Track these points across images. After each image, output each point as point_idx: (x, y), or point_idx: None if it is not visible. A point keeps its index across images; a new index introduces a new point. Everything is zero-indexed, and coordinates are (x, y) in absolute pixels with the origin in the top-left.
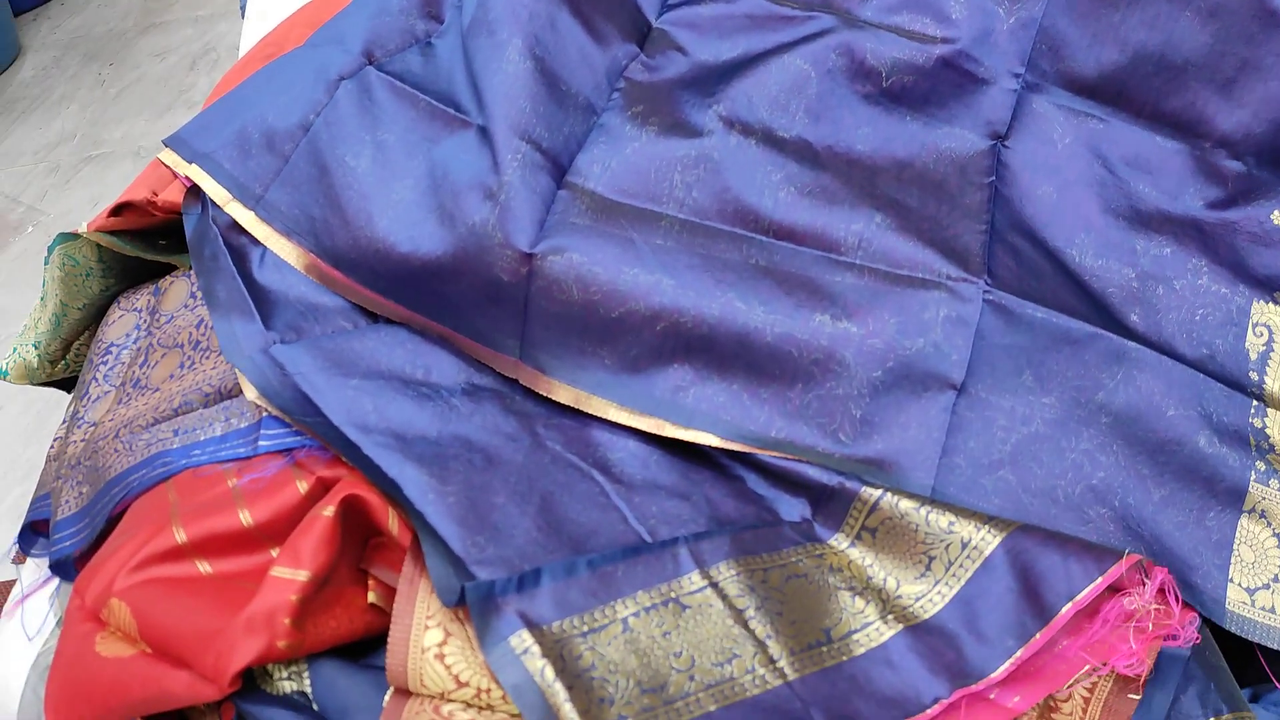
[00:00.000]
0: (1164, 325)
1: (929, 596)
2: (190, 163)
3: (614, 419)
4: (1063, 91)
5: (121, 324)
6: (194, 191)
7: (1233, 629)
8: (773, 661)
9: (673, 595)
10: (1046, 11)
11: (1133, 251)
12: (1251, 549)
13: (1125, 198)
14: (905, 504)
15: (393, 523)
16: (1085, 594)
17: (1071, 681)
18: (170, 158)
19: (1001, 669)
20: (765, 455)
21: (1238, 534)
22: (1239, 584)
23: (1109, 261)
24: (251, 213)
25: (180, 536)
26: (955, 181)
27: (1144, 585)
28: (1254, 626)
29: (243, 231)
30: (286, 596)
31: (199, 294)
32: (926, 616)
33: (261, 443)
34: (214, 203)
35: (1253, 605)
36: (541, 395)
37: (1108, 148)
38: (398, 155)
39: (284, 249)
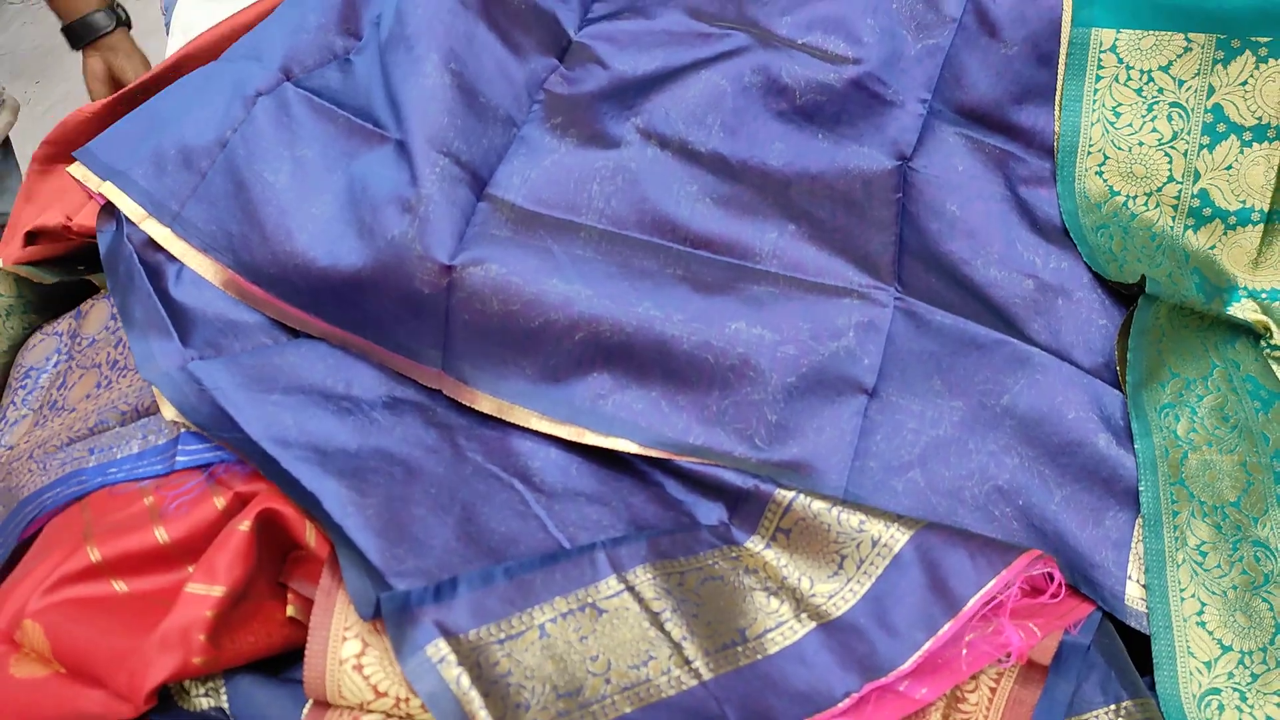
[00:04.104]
0: (1063, 335)
1: (841, 594)
2: (104, 180)
3: (535, 428)
4: (965, 120)
5: (42, 348)
6: (108, 209)
7: (1132, 623)
8: (688, 662)
9: (590, 600)
10: (954, 43)
11: (1033, 265)
12: None
13: (1026, 214)
14: (818, 505)
15: (310, 535)
16: (991, 586)
17: (977, 673)
18: (80, 172)
19: (910, 661)
20: (684, 461)
21: (1135, 533)
22: (1137, 580)
23: (1011, 274)
24: (168, 229)
25: (95, 556)
26: (863, 197)
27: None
28: None
29: (159, 248)
30: (201, 612)
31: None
32: (839, 614)
33: (179, 459)
34: (129, 220)
35: None
36: (464, 406)
37: (1008, 169)
38: (316, 171)
39: (201, 265)
